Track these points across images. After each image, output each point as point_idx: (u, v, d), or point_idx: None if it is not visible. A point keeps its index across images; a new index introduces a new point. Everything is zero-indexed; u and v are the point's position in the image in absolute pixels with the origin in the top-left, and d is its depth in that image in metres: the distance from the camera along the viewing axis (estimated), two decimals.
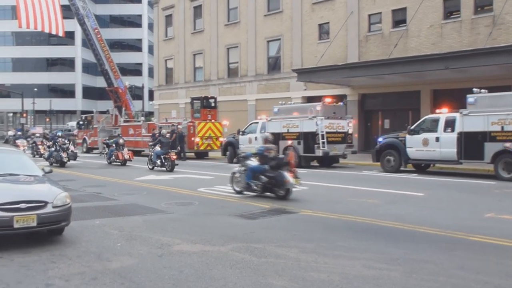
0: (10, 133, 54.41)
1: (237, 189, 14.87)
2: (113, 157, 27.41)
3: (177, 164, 22.48)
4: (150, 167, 23.62)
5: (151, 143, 24.30)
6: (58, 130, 60.45)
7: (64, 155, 26.15)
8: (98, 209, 12.28)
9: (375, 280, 6.49)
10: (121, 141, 28.06)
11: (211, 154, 33.97)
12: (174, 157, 22.78)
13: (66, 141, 27.79)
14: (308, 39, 35.61)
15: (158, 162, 23.05)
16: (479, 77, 25.56)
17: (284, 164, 13.93)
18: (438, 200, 13.67)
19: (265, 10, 39.04)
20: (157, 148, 23.13)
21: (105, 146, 30.21)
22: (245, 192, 14.56)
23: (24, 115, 68.02)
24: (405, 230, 9.58)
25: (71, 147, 27.47)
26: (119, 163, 26.85)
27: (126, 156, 26.79)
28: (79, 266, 7.16)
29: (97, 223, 10.39)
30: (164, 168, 22.49)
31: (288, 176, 13.42)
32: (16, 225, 7.94)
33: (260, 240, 8.70)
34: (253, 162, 14.60)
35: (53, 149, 27.37)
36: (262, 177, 13.89)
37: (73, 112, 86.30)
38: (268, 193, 14.00)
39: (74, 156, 27.16)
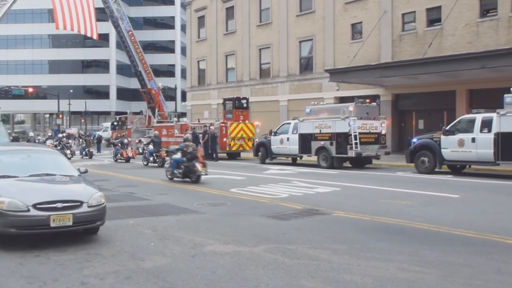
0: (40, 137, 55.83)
1: (169, 177, 19.02)
2: (119, 155, 30.89)
3: (166, 161, 22.48)
4: (145, 163, 26.17)
5: (145, 143, 27.38)
6: (93, 131, 61.44)
7: (68, 152, 31.76)
8: (131, 208, 12.43)
9: (410, 283, 6.41)
10: (125, 141, 32.16)
11: (243, 154, 34.03)
12: (164, 154, 24.27)
13: (70, 141, 35.25)
14: (340, 39, 35.40)
15: (151, 159, 25.83)
16: None
17: (195, 157, 18.26)
18: (474, 202, 13.42)
19: (297, 10, 38.95)
20: (150, 147, 25.40)
21: (112, 145, 34.64)
22: (175, 179, 18.73)
23: (60, 116, 69.23)
24: (440, 233, 9.43)
25: (74, 147, 34.71)
26: (124, 160, 30.16)
27: (130, 154, 30.34)
28: (113, 265, 7.25)
29: (131, 222, 10.51)
30: (156, 164, 24.51)
31: (198, 165, 17.94)
32: (52, 224, 8.10)
33: (292, 241, 8.67)
34: (177, 155, 18.66)
35: (59, 147, 32.08)
36: (182, 166, 18.33)
37: (107, 113, 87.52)
38: (186, 179, 18.32)
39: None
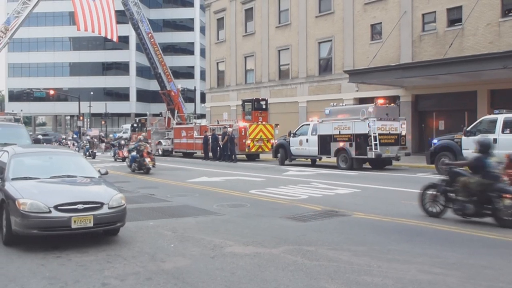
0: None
1: (129, 169, 24.15)
2: (116, 155, 33.58)
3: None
4: (131, 169, 24.68)
5: (131, 147, 26.63)
6: (114, 133, 61.90)
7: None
8: (151, 210, 12.50)
9: (431, 285, 6.36)
10: (122, 142, 35.55)
11: (262, 156, 34.04)
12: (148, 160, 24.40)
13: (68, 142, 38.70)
14: (360, 39, 35.23)
15: (133, 165, 24.56)
16: None
17: (144, 153, 23.30)
18: None
19: (316, 11, 38.86)
20: (134, 153, 24.65)
21: (111, 146, 36.92)
22: (137, 171, 23.44)
23: (81, 118, 69.86)
24: (462, 234, 9.34)
25: (72, 148, 37.52)
26: (121, 160, 32.11)
27: (126, 154, 30.69)
28: (134, 266, 7.29)
29: (151, 224, 10.56)
30: (141, 171, 23.81)
31: (147, 160, 23.05)
32: (73, 226, 8.18)
33: (312, 243, 8.65)
34: (135, 152, 23.95)
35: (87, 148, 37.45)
36: (137, 161, 23.48)
37: (127, 115, 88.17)
38: (141, 170, 23.15)
39: None
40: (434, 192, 11.16)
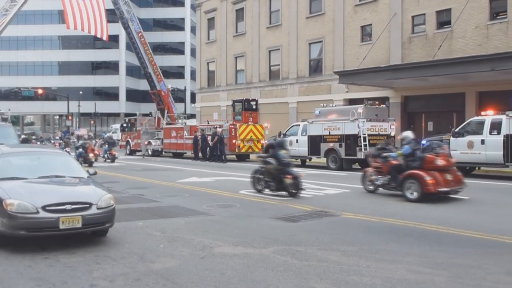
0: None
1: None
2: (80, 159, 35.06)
3: (96, 160, 30.21)
4: (104, 160, 32.71)
5: (78, 145, 32.07)
6: (103, 133, 61.66)
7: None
8: (141, 210, 12.46)
9: (419, 285, 6.40)
10: (86, 145, 34.61)
11: (252, 156, 34.02)
12: (114, 152, 32.99)
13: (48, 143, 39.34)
14: (350, 41, 35.32)
15: (106, 155, 33.01)
16: None
17: (87, 150, 29.17)
18: (484, 203, 13.36)
19: (307, 12, 38.91)
20: (80, 149, 30.08)
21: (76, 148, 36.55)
22: (83, 164, 25.28)
23: (70, 117, 69.52)
24: (449, 234, 9.40)
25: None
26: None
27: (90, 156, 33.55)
28: (122, 267, 7.27)
29: (140, 224, 10.53)
30: (86, 164, 28.76)
31: (90, 155, 29.00)
32: (61, 226, 8.12)
33: (302, 243, 8.67)
34: (81, 149, 29.51)
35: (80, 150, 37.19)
36: (83, 156, 28.77)
37: (117, 115, 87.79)
38: (86, 164, 27.84)
39: None
40: (258, 176, 15.81)
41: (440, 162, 13.87)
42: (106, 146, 33.81)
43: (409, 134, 14.88)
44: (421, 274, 6.85)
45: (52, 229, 8.14)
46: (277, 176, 14.92)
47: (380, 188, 15.10)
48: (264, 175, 15.41)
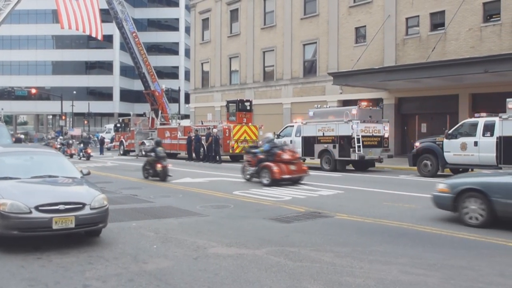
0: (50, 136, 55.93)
1: None
2: (65, 153, 34.61)
3: (92, 156, 32.81)
4: (78, 158, 34.61)
5: (77, 143, 33.66)
6: (97, 133, 61.49)
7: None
8: (134, 211, 12.44)
9: (412, 286, 6.41)
10: (70, 141, 37.70)
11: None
12: (89, 151, 34.86)
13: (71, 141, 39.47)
14: (344, 42, 35.39)
15: (81, 154, 35.11)
16: None
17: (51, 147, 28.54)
18: None
19: (302, 13, 38.96)
20: (81, 145, 33.67)
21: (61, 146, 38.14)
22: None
23: (63, 117, 69.27)
24: (443, 235, 9.43)
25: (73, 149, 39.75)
26: (69, 156, 33.25)
27: (73, 152, 35.99)
28: (115, 268, 7.25)
29: (134, 225, 10.51)
30: (84, 158, 32.38)
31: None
32: (54, 226, 8.09)
33: (295, 244, 8.67)
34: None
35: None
36: None
37: (110, 115, 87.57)
38: None
39: None
40: (145, 166, 20.96)
41: (286, 156, 18.37)
42: (82, 145, 36.36)
43: (269, 135, 20.37)
44: (414, 275, 6.87)
45: (45, 229, 8.11)
46: (154, 165, 20.20)
47: (252, 178, 19.05)
48: (147, 165, 20.81)
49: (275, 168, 17.67)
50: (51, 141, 40.28)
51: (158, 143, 21.12)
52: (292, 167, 18.19)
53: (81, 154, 35.53)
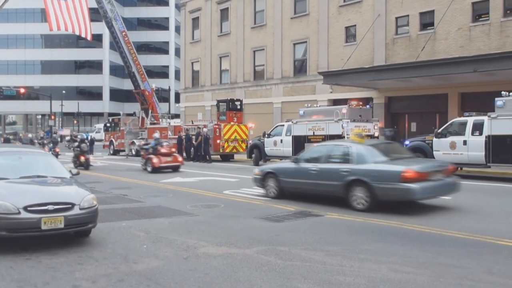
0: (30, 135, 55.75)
1: None
2: (52, 151, 34.76)
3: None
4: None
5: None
6: (87, 133, 61.20)
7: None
8: (124, 211, 12.40)
9: (402, 284, 6.44)
10: (45, 141, 38.86)
11: (236, 156, 34.02)
12: (57, 150, 33.98)
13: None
14: (334, 42, 35.45)
15: (50, 153, 34.70)
16: (507, 80, 25.12)
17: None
18: (466, 203, 13.46)
19: (292, 13, 38.98)
20: (50, 144, 33.90)
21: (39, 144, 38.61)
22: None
23: (53, 117, 68.95)
24: (432, 234, 9.47)
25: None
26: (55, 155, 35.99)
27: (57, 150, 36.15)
28: (105, 268, 7.23)
29: (123, 225, 10.48)
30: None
31: None
32: (43, 227, 8.05)
33: (285, 243, 8.69)
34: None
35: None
36: None
37: (100, 114, 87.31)
38: None
39: None
40: (73, 159, 27.16)
41: (164, 150, 24.21)
42: (51, 144, 37.02)
43: (156, 134, 26.05)
44: (404, 273, 6.90)
45: (34, 230, 8.06)
46: (79, 157, 26.54)
47: (143, 167, 24.52)
48: (74, 157, 27.19)
49: (154, 160, 23.63)
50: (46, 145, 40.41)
51: (82, 141, 27.92)
52: (168, 158, 24.23)
53: (50, 153, 35.89)
